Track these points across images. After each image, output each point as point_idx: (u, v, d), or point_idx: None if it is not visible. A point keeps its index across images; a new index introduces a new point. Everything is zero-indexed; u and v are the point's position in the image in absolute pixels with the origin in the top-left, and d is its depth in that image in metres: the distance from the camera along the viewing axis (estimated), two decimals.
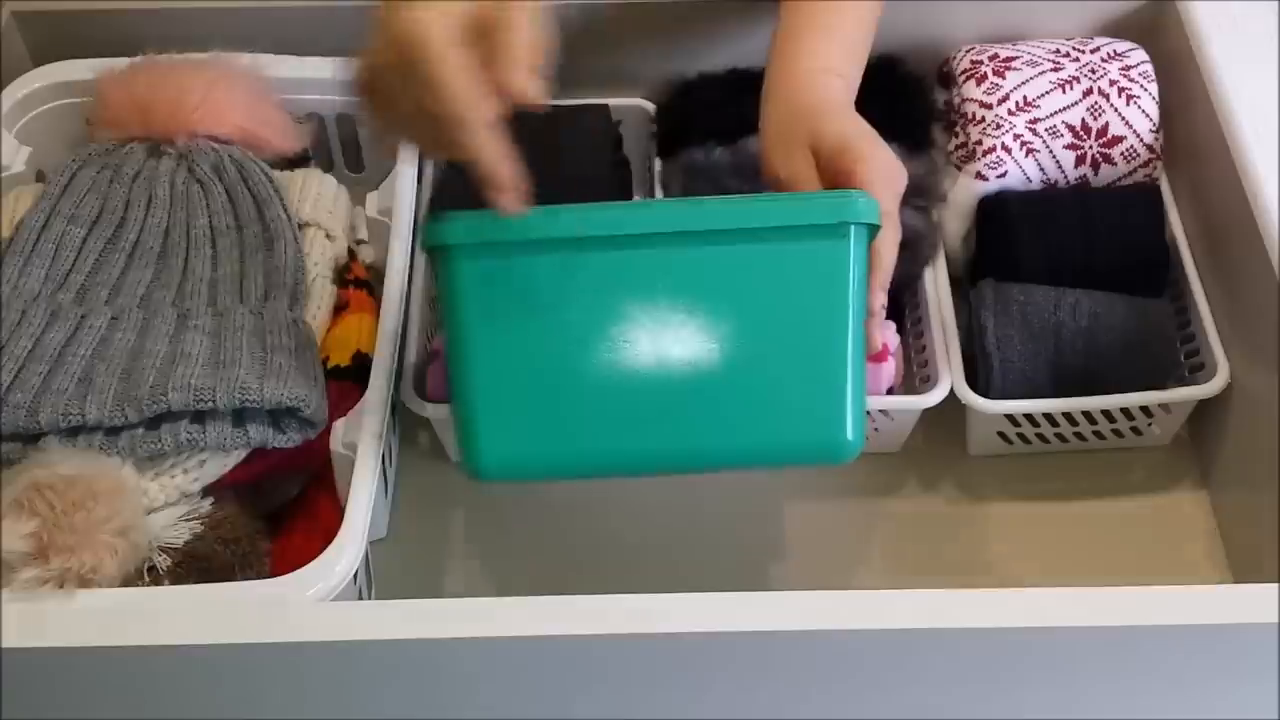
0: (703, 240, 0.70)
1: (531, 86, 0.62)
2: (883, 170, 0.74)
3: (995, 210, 0.95)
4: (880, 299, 0.75)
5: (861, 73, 0.84)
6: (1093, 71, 0.97)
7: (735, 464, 0.75)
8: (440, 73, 0.62)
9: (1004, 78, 0.97)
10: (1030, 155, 0.96)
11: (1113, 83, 0.96)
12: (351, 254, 0.92)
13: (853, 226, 0.71)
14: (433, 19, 0.62)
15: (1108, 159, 0.96)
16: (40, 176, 0.95)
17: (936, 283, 0.94)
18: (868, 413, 0.90)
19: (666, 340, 0.70)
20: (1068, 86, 0.96)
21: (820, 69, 0.81)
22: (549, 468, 0.72)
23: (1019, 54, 0.99)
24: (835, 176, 0.75)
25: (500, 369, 0.70)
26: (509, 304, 0.69)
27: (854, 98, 0.83)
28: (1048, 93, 0.96)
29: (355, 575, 0.74)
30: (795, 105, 0.79)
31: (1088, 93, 0.96)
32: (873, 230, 0.73)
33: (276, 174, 0.91)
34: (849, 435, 0.72)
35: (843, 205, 0.71)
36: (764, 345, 0.70)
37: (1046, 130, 0.95)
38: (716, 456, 0.73)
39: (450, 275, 0.70)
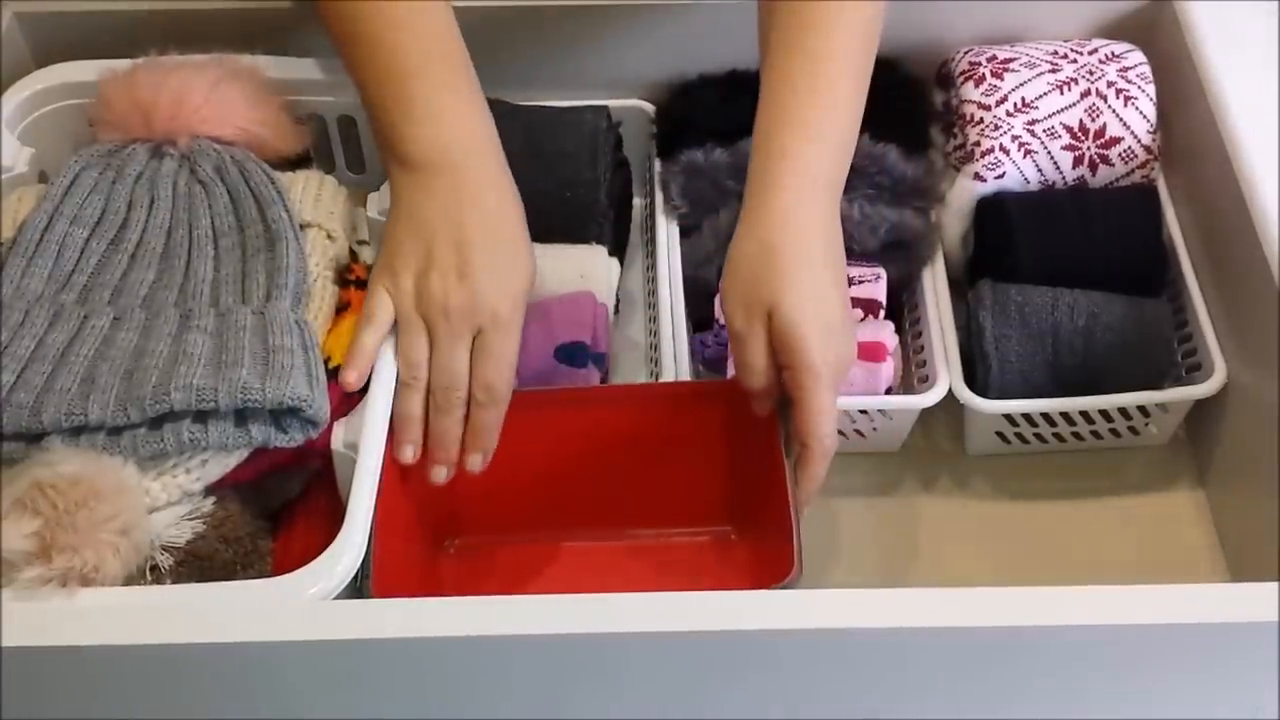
0: None
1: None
2: (817, 385, 0.75)
3: (993, 211, 0.95)
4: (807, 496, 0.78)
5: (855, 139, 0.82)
6: (1090, 73, 0.97)
7: None
8: None
9: (1002, 79, 0.97)
10: (1028, 156, 0.96)
11: (1110, 84, 0.96)
12: (353, 255, 0.92)
13: None
14: None
15: (1105, 160, 0.96)
16: (43, 178, 0.95)
17: (935, 283, 0.94)
18: (864, 412, 0.90)
19: None
20: (1066, 88, 0.96)
21: (804, 185, 0.79)
22: None
23: (1017, 55, 0.99)
24: (781, 360, 0.77)
25: None
26: None
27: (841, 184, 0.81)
28: (1046, 94, 0.96)
29: (356, 574, 0.75)
30: (757, 269, 0.78)
31: (1086, 94, 0.96)
32: None
33: (278, 175, 0.91)
34: None
35: None
36: None
37: (1044, 131, 0.96)
38: None
39: None
